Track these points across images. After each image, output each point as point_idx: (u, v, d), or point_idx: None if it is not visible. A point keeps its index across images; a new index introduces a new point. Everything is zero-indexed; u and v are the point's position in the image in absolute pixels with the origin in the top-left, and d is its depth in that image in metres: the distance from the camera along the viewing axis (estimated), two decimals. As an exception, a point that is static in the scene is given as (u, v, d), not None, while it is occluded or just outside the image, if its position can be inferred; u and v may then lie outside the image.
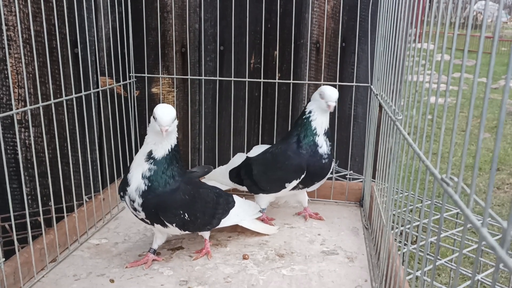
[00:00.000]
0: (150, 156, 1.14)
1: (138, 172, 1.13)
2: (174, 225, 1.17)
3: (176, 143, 1.17)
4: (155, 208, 1.13)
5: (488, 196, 0.45)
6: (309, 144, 1.39)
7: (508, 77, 0.44)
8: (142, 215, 1.15)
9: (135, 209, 1.15)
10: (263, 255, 1.29)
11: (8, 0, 1.43)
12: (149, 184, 1.12)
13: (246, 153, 1.57)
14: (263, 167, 1.46)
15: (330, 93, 1.36)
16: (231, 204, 1.35)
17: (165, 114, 1.10)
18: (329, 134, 1.43)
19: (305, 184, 1.45)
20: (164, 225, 1.17)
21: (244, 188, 1.53)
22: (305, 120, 1.41)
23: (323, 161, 1.41)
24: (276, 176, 1.43)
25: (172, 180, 1.14)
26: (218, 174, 1.58)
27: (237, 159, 1.56)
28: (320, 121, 1.40)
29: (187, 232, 1.23)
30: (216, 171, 1.59)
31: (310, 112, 1.41)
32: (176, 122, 1.14)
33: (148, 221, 1.17)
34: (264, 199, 1.50)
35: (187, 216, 1.17)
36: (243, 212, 1.38)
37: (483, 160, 4.20)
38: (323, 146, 1.40)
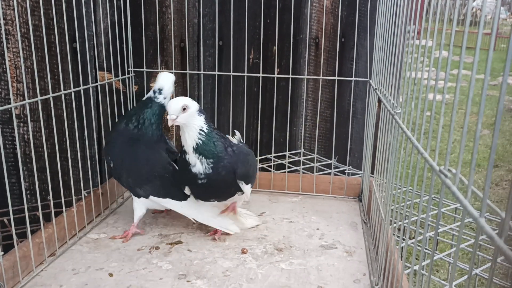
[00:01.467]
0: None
1: None
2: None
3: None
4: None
5: (486, 186, 0.46)
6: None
7: (506, 73, 0.44)
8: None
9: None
10: (262, 249, 1.30)
11: (6, -6, 1.42)
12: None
13: None
14: (248, 164, 1.39)
15: (169, 107, 1.17)
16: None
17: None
18: (203, 151, 1.21)
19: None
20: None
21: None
22: None
23: (200, 181, 1.22)
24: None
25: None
26: None
27: None
28: (184, 140, 1.22)
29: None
30: None
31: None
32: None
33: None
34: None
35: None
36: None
37: (482, 157, 4.21)
38: (197, 164, 1.21)
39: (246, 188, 1.29)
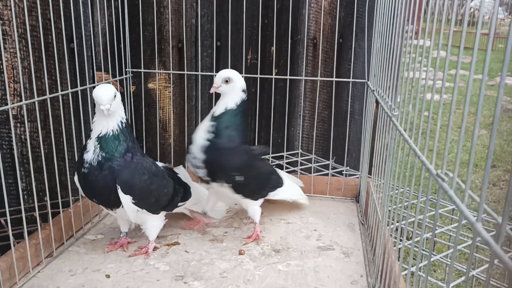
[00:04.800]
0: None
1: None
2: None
3: None
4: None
5: (483, 192, 0.46)
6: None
7: (503, 74, 0.44)
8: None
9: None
10: (259, 250, 1.30)
11: (3, -6, 1.42)
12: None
13: None
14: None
15: (97, 96, 1.14)
16: (280, 184, 1.48)
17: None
18: (104, 142, 1.16)
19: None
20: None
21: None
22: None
23: (83, 170, 1.16)
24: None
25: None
26: None
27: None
28: (98, 125, 1.17)
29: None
30: None
31: (95, 114, 1.19)
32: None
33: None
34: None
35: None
36: (288, 193, 1.52)
37: (479, 157, 4.21)
38: (90, 151, 1.16)
39: (125, 199, 1.16)
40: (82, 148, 1.19)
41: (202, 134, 1.29)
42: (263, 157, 1.54)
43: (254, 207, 1.37)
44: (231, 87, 1.29)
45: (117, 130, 1.17)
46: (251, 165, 1.34)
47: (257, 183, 1.37)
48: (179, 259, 1.24)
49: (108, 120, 1.15)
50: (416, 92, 0.81)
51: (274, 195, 1.45)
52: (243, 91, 1.31)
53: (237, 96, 1.30)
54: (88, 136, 1.19)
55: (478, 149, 4.42)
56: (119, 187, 1.15)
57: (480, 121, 0.49)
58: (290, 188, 1.53)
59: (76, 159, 1.36)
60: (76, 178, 1.20)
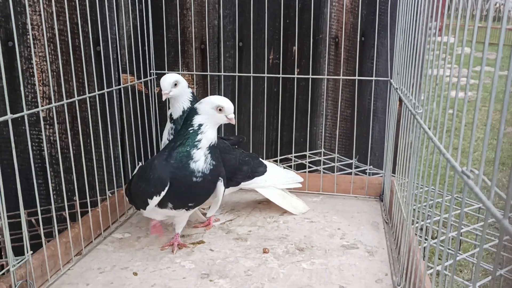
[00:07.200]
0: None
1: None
2: None
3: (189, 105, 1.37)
4: None
5: (510, 189, 0.45)
6: (180, 155, 1.17)
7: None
8: None
9: None
10: (283, 249, 1.30)
11: (33, 0, 1.46)
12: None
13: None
14: (136, 177, 1.28)
15: (229, 106, 1.20)
16: (259, 173, 1.49)
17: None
18: (214, 152, 1.21)
19: (175, 204, 1.21)
20: None
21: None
22: (192, 133, 1.19)
23: (194, 179, 1.17)
24: (140, 189, 1.21)
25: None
26: None
27: None
28: (210, 135, 1.20)
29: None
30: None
31: (200, 125, 1.19)
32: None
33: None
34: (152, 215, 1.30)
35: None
36: (274, 179, 1.53)
37: (506, 155, 4.12)
38: (200, 161, 1.17)
39: (222, 188, 1.27)
40: (186, 158, 1.17)
41: (166, 135, 1.43)
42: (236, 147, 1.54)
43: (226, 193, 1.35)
44: (180, 89, 1.38)
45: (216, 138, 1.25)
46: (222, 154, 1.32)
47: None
48: (204, 258, 1.26)
49: (212, 128, 1.21)
50: (440, 90, 0.80)
51: (250, 183, 1.49)
52: (188, 87, 1.42)
53: (187, 94, 1.40)
54: (182, 145, 1.19)
55: (504, 147, 4.33)
56: (221, 179, 1.26)
57: (506, 118, 0.48)
58: (274, 176, 1.54)
59: (104, 160, 1.40)
60: (161, 195, 1.17)
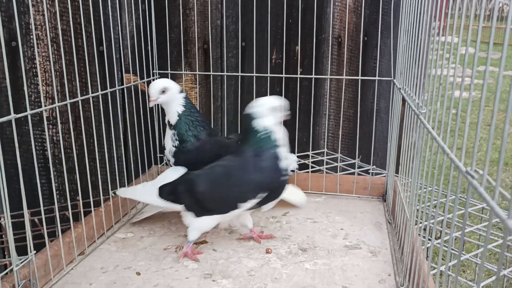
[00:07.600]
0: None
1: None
2: None
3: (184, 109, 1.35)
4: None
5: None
6: (270, 157, 1.18)
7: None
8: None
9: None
10: (286, 249, 1.30)
11: (36, 0, 1.46)
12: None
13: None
14: (212, 184, 1.24)
15: (281, 104, 1.22)
16: None
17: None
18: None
19: (260, 203, 1.23)
20: None
21: (179, 208, 1.28)
22: (261, 137, 1.19)
23: (282, 178, 1.20)
24: (230, 194, 1.21)
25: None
26: (142, 192, 1.38)
27: (170, 174, 1.36)
28: (279, 134, 1.21)
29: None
30: (138, 189, 1.40)
31: (265, 128, 1.19)
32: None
33: None
34: (201, 223, 1.26)
35: None
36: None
37: (510, 155, 4.11)
38: (283, 160, 1.20)
39: None
40: (273, 160, 1.18)
41: (169, 142, 1.39)
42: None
43: None
44: (170, 95, 1.34)
45: None
46: (226, 152, 1.29)
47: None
48: (207, 258, 1.26)
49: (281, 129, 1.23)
50: (444, 90, 0.80)
51: None
52: (181, 91, 1.37)
53: (179, 99, 1.36)
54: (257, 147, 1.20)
55: (509, 147, 4.32)
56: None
57: (510, 118, 0.48)
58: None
59: (107, 158, 1.40)
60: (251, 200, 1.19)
